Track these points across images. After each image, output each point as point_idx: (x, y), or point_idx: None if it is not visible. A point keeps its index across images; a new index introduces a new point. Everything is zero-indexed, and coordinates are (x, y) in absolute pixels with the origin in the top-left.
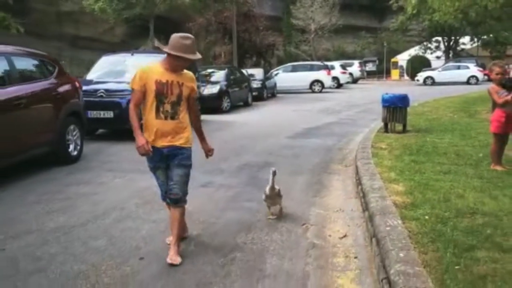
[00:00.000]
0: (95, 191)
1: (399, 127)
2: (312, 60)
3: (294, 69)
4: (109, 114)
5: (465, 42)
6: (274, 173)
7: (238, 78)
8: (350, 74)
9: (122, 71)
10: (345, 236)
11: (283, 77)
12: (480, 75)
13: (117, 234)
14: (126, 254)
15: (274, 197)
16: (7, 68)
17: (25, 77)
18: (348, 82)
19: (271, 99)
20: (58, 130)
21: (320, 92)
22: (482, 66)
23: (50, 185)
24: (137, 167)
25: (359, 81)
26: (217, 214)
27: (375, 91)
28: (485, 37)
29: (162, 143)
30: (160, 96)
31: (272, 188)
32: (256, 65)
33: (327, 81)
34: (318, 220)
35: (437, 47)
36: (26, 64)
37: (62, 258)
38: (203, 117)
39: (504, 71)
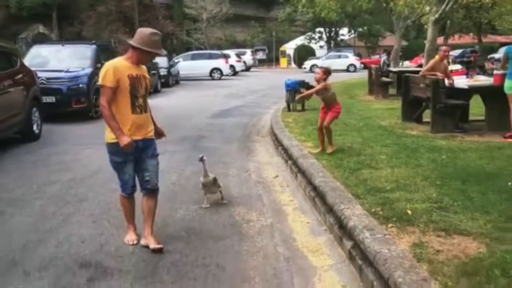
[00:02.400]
0: (77, 158)
1: (298, 107)
2: (205, 48)
3: (194, 58)
4: (51, 99)
5: (344, 33)
6: (202, 159)
7: (148, 66)
8: (244, 62)
9: (56, 60)
10: (277, 176)
11: (184, 65)
12: (357, 64)
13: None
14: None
15: (210, 185)
16: None
17: (5, 66)
18: (242, 70)
19: (176, 86)
20: (27, 111)
21: (220, 79)
22: (359, 55)
23: (34, 156)
24: (95, 141)
25: (252, 69)
26: (182, 167)
27: (269, 78)
28: (360, 29)
29: (137, 136)
30: (134, 91)
31: (206, 175)
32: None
33: (225, 69)
34: (255, 169)
35: (320, 38)
36: (3, 55)
37: (92, 195)
38: None
39: None
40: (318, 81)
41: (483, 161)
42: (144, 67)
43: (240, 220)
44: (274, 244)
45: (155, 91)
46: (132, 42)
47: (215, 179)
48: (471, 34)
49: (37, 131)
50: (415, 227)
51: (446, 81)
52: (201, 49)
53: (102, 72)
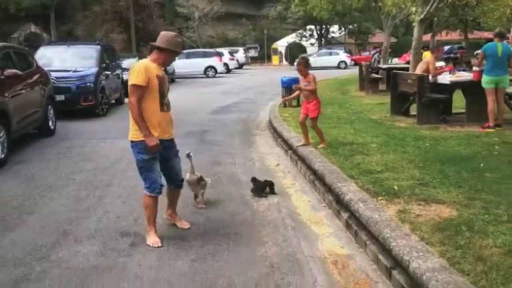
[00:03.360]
0: (96, 150)
1: (294, 102)
2: (197, 47)
3: (189, 56)
4: (61, 97)
5: (334, 31)
6: (188, 156)
7: None
8: (237, 60)
9: (63, 60)
10: (278, 164)
11: (179, 64)
12: (348, 61)
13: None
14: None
15: (195, 183)
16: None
17: (25, 67)
18: (236, 68)
19: (172, 84)
20: (43, 109)
21: (214, 77)
22: (350, 52)
23: (55, 149)
24: (108, 135)
25: (244, 67)
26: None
27: (262, 76)
28: (350, 26)
29: (165, 135)
30: (162, 90)
31: (192, 172)
32: (150, 52)
33: (219, 67)
34: (258, 158)
35: (311, 35)
36: (23, 56)
37: (117, 180)
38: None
39: None
40: (304, 75)
41: (461, 147)
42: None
43: (250, 199)
44: (282, 218)
45: None
46: (160, 44)
47: (199, 179)
48: (458, 31)
49: (52, 127)
50: (400, 199)
51: (430, 77)
52: (193, 47)
53: (134, 73)
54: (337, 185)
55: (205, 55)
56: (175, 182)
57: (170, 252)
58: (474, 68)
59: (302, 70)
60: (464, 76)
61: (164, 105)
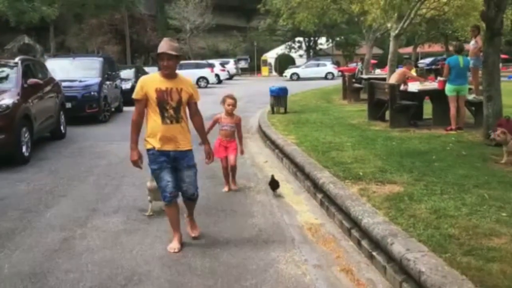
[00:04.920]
0: (105, 150)
1: (281, 110)
2: (189, 58)
3: (181, 67)
4: (68, 105)
5: (322, 42)
6: None
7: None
8: (228, 71)
9: (69, 71)
10: (266, 161)
11: None
12: (335, 72)
13: None
14: None
15: (156, 191)
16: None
17: (42, 77)
18: (227, 79)
19: None
20: (57, 114)
21: (206, 87)
22: (337, 63)
23: (68, 149)
24: (114, 138)
25: (235, 78)
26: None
27: (252, 86)
28: (338, 38)
29: (168, 146)
30: (162, 103)
31: (153, 180)
32: (144, 63)
33: (211, 77)
34: (249, 157)
35: (300, 47)
36: (39, 68)
37: (129, 173)
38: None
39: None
40: (230, 113)
41: (421, 144)
42: (187, 80)
43: (243, 187)
44: (269, 199)
45: None
46: (159, 50)
47: None
48: (440, 43)
49: (63, 131)
50: (363, 181)
51: (402, 86)
52: (185, 58)
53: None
54: (314, 173)
55: (197, 66)
56: (184, 195)
57: (181, 221)
58: (439, 78)
59: (234, 109)
60: (430, 85)
61: (166, 118)
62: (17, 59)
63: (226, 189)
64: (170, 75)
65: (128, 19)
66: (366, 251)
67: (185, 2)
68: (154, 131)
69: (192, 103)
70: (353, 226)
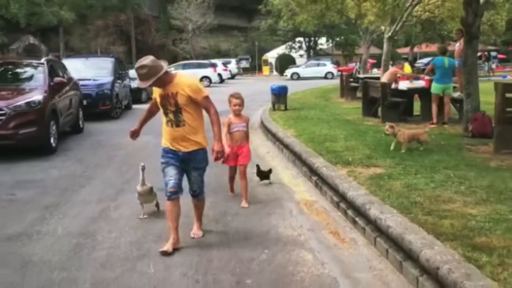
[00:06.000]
0: (122, 142)
1: (282, 107)
2: (191, 58)
3: (185, 67)
4: (84, 102)
5: (322, 42)
6: (143, 168)
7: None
8: (229, 71)
9: (83, 71)
10: (268, 152)
11: None
12: (335, 71)
13: None
14: None
15: (146, 194)
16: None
17: (63, 76)
18: (228, 78)
19: None
20: (76, 110)
21: (209, 86)
22: (337, 63)
23: (87, 141)
24: (127, 133)
25: (236, 77)
26: None
27: (253, 85)
28: (338, 38)
29: (176, 146)
30: (163, 107)
31: (143, 184)
32: None
33: (214, 77)
34: (252, 149)
35: (300, 47)
36: (61, 67)
37: (147, 160)
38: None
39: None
40: (238, 114)
41: None
42: (183, 81)
43: (249, 173)
44: (270, 182)
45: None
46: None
47: (151, 189)
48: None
49: (81, 126)
50: (351, 165)
51: (393, 84)
52: (187, 58)
53: None
54: (310, 159)
55: (200, 66)
56: (189, 191)
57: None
58: (426, 77)
59: (241, 109)
60: (418, 83)
61: (168, 121)
62: (42, 60)
63: (231, 194)
64: (162, 85)
65: (133, 20)
66: (350, 218)
67: (187, 2)
68: (163, 132)
69: (197, 101)
70: (340, 200)
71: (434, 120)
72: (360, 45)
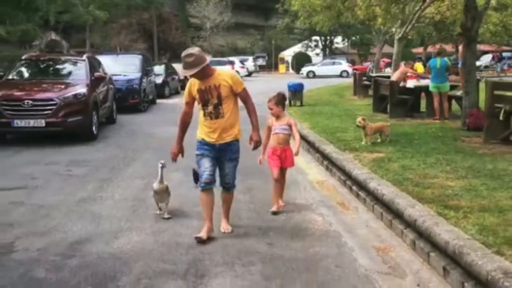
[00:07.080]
0: (153, 132)
1: (298, 103)
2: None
3: None
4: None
5: (338, 41)
6: (163, 167)
7: (172, 71)
8: (246, 68)
9: (113, 67)
10: None
11: None
12: (350, 70)
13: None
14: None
15: (162, 193)
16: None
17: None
18: (245, 75)
19: None
20: (111, 102)
21: None
22: (352, 62)
23: (122, 131)
24: (157, 124)
25: (253, 74)
26: None
27: (271, 83)
28: (353, 38)
29: (211, 139)
30: (204, 101)
31: (161, 181)
32: (169, 60)
33: None
34: None
35: (316, 45)
36: (97, 63)
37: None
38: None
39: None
40: (277, 116)
41: (410, 129)
42: (224, 74)
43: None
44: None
45: (176, 93)
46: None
47: (167, 187)
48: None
49: (115, 117)
50: (358, 151)
51: (402, 83)
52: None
53: None
54: (322, 147)
55: (219, 63)
56: (221, 184)
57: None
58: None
59: (278, 112)
60: (424, 82)
61: (207, 114)
62: (84, 56)
63: (274, 208)
64: (203, 77)
65: (155, 18)
66: (354, 192)
67: (205, 1)
68: (201, 125)
69: (237, 93)
70: (347, 178)
71: (437, 116)
72: (375, 44)
